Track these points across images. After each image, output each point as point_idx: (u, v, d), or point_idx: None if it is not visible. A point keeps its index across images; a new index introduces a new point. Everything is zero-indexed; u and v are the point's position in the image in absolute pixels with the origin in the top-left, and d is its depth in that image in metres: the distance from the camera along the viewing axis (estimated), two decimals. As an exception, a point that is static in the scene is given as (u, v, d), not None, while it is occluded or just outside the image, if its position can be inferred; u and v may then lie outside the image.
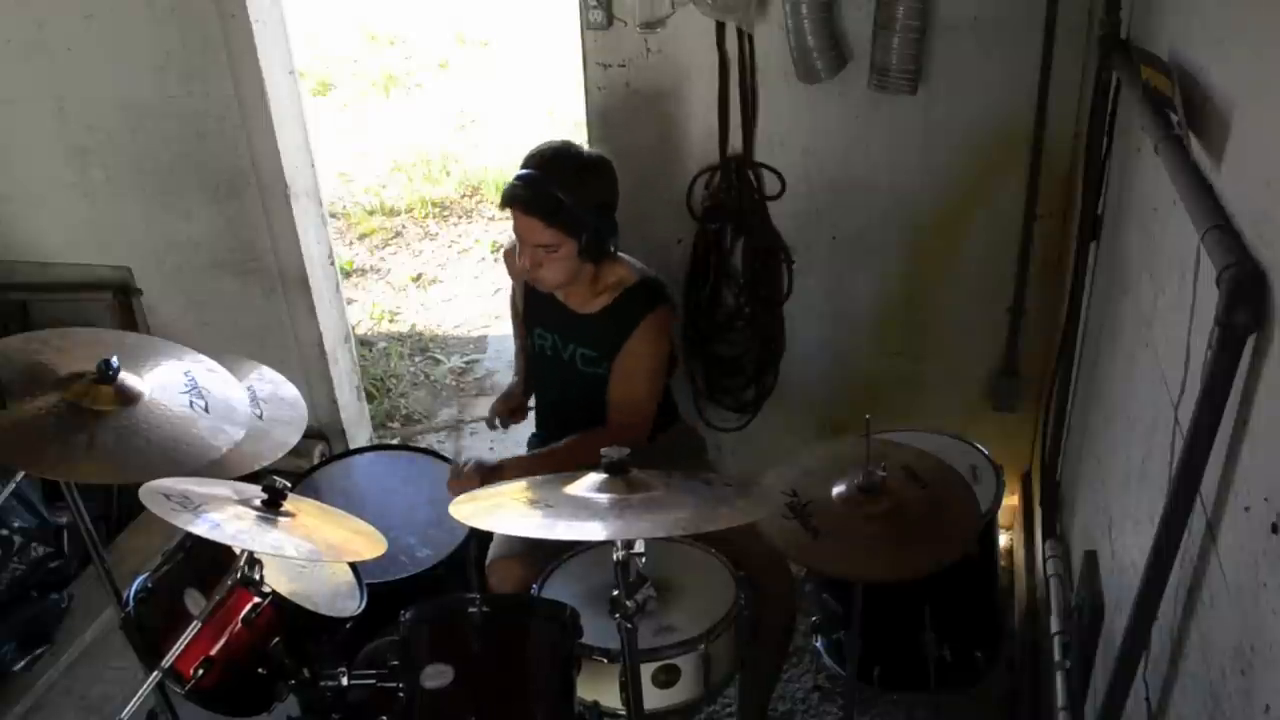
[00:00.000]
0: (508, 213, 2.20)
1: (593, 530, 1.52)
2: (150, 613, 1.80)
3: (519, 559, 2.19)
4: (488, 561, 2.26)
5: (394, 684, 1.71)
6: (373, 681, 1.74)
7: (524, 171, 2.17)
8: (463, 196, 6.01)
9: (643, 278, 2.32)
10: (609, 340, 2.30)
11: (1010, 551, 2.98)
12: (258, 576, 1.69)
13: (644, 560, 1.61)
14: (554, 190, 2.13)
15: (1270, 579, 1.12)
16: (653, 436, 2.35)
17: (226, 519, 1.63)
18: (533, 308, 2.43)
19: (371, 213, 5.87)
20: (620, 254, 2.31)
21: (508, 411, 2.61)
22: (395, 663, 1.73)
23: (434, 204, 5.90)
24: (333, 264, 3.38)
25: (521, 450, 2.53)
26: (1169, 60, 1.61)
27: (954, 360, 2.92)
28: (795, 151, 2.70)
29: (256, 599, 1.70)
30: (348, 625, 1.90)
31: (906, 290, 2.85)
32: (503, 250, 2.60)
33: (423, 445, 3.41)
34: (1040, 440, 2.81)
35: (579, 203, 2.15)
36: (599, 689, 1.85)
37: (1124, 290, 2.04)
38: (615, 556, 1.55)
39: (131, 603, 1.82)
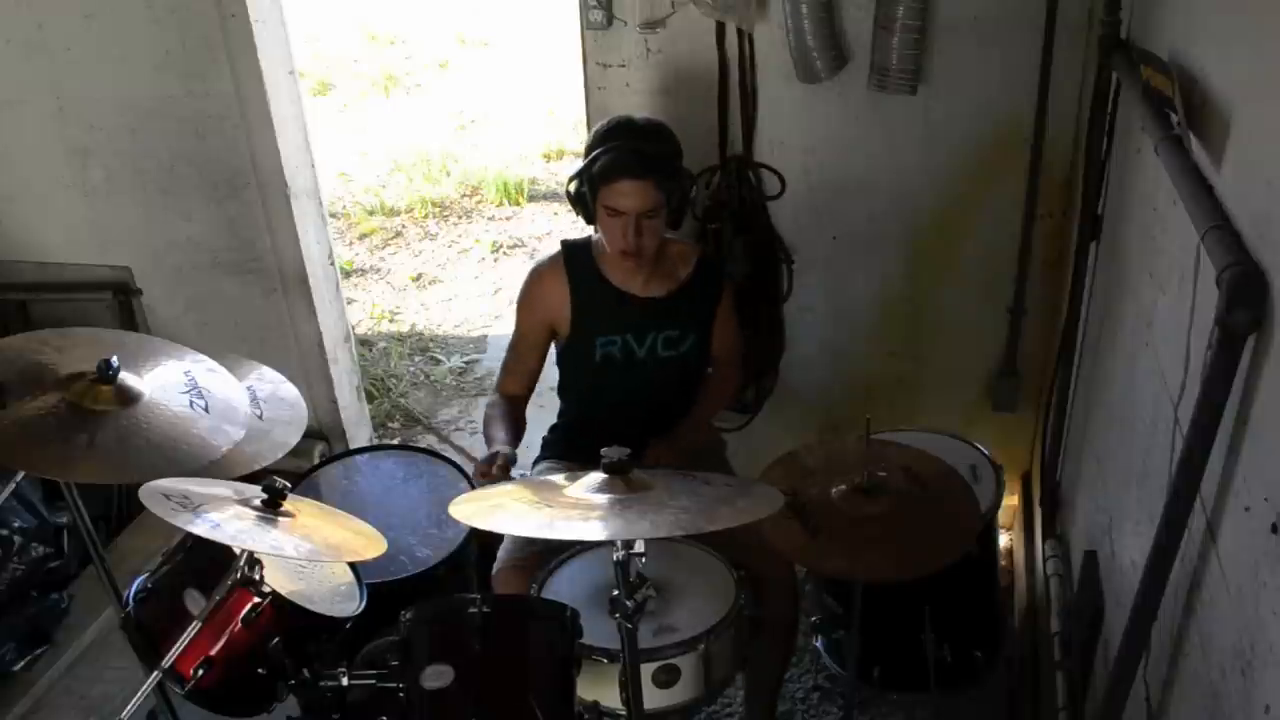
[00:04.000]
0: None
1: (593, 530, 1.52)
2: (150, 613, 1.80)
3: (525, 569, 2.14)
4: (494, 571, 2.24)
5: (394, 684, 1.71)
6: (373, 681, 1.73)
7: (618, 143, 2.16)
8: (463, 196, 6.00)
9: (701, 251, 2.41)
10: (697, 312, 2.36)
11: (1010, 551, 2.98)
12: (258, 576, 1.69)
13: (644, 560, 1.61)
14: (659, 147, 2.18)
15: (1270, 579, 1.12)
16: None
17: (226, 519, 1.63)
18: (590, 317, 2.33)
19: (371, 213, 5.87)
20: None
21: (500, 477, 2.11)
22: (395, 663, 1.73)
23: (434, 204, 5.90)
24: (333, 264, 3.38)
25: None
26: (1169, 60, 1.61)
27: (954, 360, 2.92)
28: (795, 151, 2.70)
29: (256, 599, 1.70)
30: (348, 625, 1.89)
31: (906, 290, 2.85)
32: (537, 274, 2.37)
33: (422, 445, 3.42)
34: (1040, 440, 2.81)
35: (674, 157, 2.22)
36: (599, 689, 1.85)
37: (1124, 290, 2.04)
38: (615, 556, 1.55)
39: (131, 603, 1.81)
